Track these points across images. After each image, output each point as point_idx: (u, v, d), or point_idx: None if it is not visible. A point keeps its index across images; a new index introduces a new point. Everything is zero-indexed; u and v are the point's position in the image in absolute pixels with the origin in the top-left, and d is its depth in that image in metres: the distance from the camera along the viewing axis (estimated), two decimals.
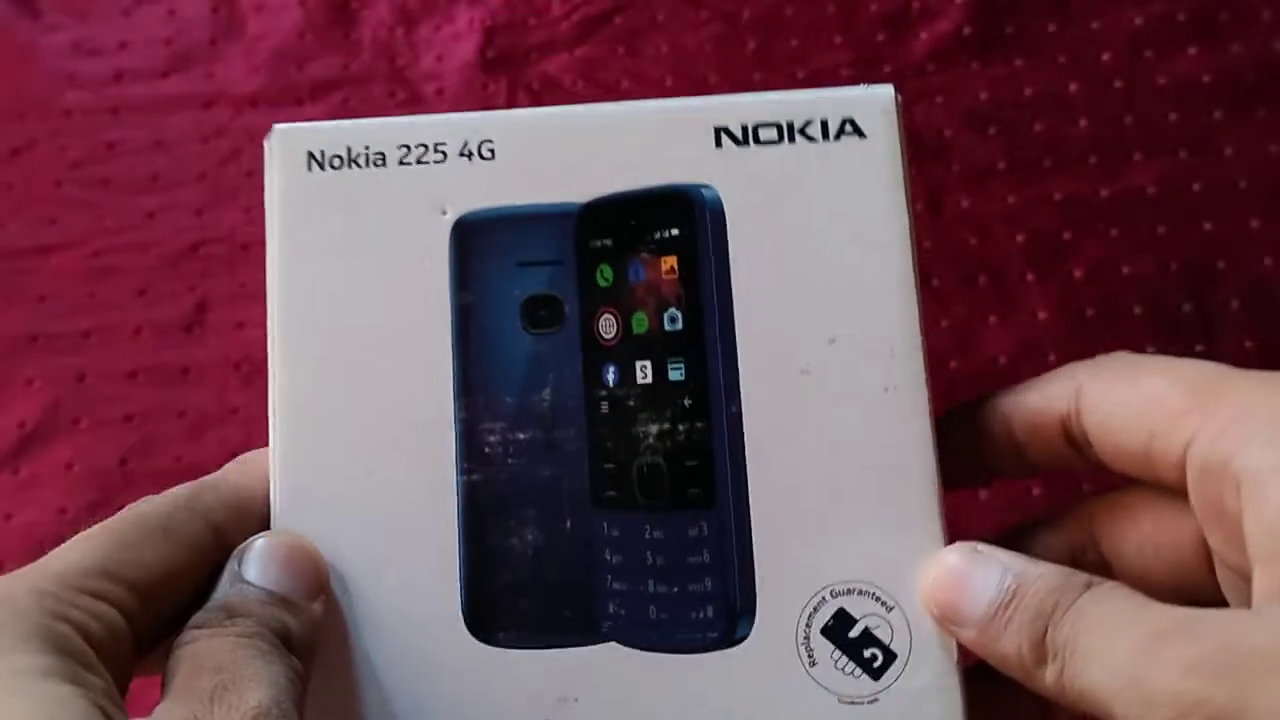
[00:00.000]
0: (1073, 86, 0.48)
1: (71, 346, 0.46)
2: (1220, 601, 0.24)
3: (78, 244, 0.47)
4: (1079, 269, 0.45)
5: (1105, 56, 0.48)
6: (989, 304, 0.45)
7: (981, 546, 0.24)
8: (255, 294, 0.46)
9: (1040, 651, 0.22)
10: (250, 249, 0.47)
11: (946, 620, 0.24)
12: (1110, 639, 0.20)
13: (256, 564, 0.23)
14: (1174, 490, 0.23)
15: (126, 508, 0.23)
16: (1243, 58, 0.47)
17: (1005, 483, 0.41)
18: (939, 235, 0.46)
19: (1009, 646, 0.22)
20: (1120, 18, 0.48)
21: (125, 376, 0.46)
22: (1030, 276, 0.45)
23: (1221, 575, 0.23)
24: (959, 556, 0.24)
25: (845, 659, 0.24)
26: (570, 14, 0.50)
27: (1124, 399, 0.24)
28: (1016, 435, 0.26)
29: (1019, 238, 0.46)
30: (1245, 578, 0.21)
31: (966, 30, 0.48)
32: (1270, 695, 0.18)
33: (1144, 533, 0.25)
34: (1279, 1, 0.48)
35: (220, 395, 0.45)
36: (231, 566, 0.23)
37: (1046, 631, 0.22)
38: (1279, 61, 0.47)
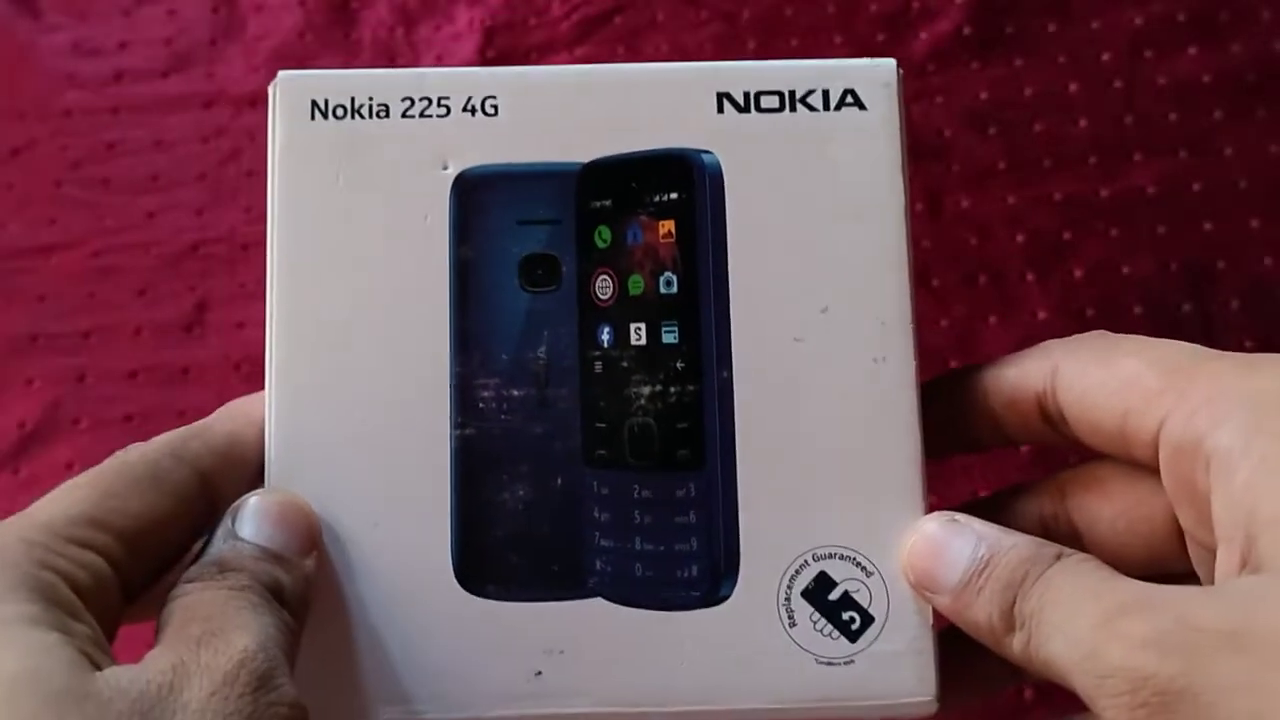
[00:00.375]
0: (1073, 86, 0.48)
1: (71, 346, 0.46)
2: (1191, 574, 0.24)
3: (78, 244, 0.47)
4: (1079, 269, 0.45)
5: (1105, 56, 0.48)
6: (989, 304, 0.45)
7: (958, 516, 0.24)
8: (255, 294, 0.46)
9: (1009, 620, 0.22)
10: (250, 249, 0.47)
11: (923, 587, 0.24)
12: (1073, 611, 0.21)
13: (250, 521, 0.23)
14: (1147, 467, 0.24)
15: (113, 455, 0.23)
16: (1243, 58, 0.47)
17: (1001, 467, 0.41)
18: (939, 235, 0.46)
19: (980, 614, 0.23)
20: (1120, 18, 0.48)
21: (125, 376, 0.46)
22: (1030, 276, 0.45)
23: (1192, 551, 0.24)
24: (936, 525, 0.24)
25: (824, 621, 0.25)
26: (570, 14, 0.50)
27: (1100, 378, 0.24)
28: (994, 409, 0.26)
29: (1019, 238, 0.46)
30: (1214, 554, 0.22)
31: (966, 30, 0.48)
32: (1217, 672, 0.18)
33: (1116, 507, 0.25)
34: (1279, 2, 0.48)
35: (220, 395, 0.45)
36: (225, 523, 0.23)
37: (1015, 601, 0.22)
38: (1279, 61, 0.47)
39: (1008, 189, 0.46)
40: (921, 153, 0.47)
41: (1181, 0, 0.48)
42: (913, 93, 0.47)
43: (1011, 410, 0.26)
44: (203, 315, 0.46)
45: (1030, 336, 0.44)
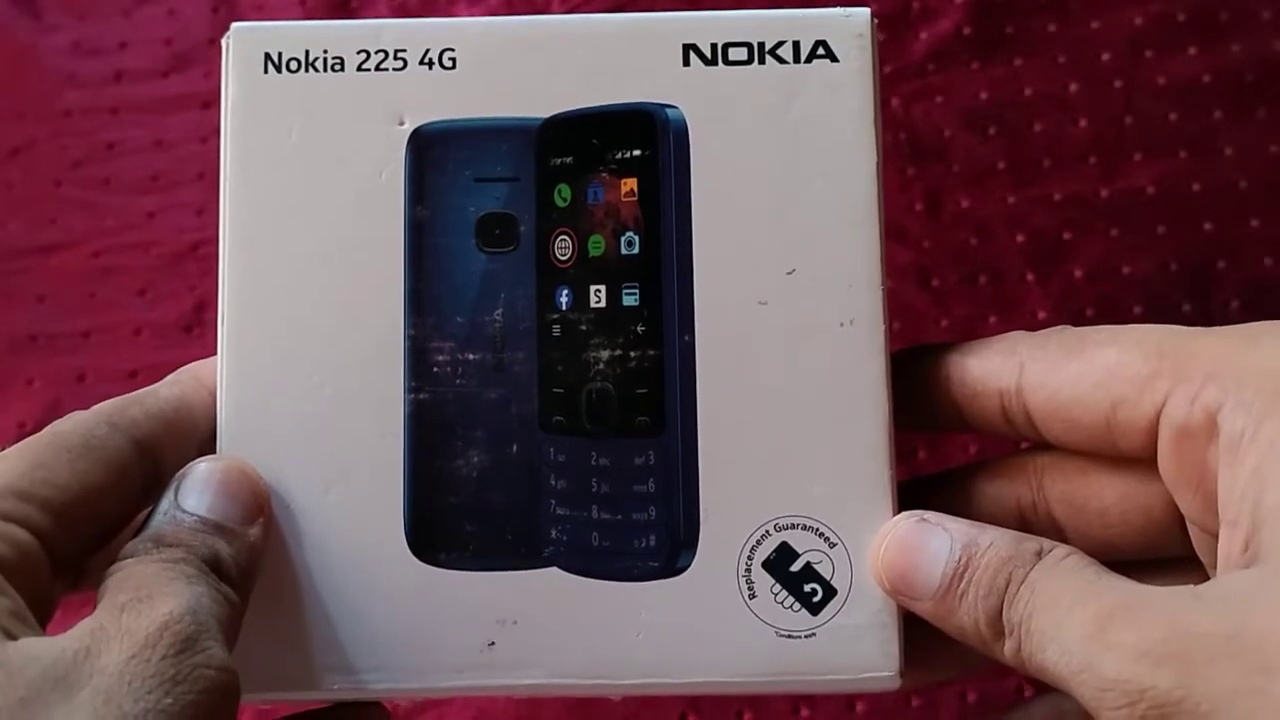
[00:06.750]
0: (1073, 86, 0.47)
1: (71, 346, 0.46)
2: (1188, 555, 0.23)
3: (78, 244, 0.47)
4: (1079, 269, 0.45)
5: (1105, 56, 0.48)
6: (989, 304, 0.45)
7: (928, 515, 0.24)
8: None
9: (997, 627, 0.22)
10: None
11: (899, 593, 0.23)
12: (1062, 619, 0.20)
13: (193, 490, 0.23)
14: (1132, 458, 0.23)
15: (47, 426, 0.23)
16: (1243, 58, 0.47)
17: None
18: (939, 235, 0.46)
19: (966, 621, 0.22)
20: (1120, 18, 0.48)
21: (125, 376, 0.46)
22: (1030, 276, 0.45)
23: (1195, 536, 0.23)
24: (906, 526, 0.23)
25: (785, 593, 0.24)
26: (570, 15, 0.50)
27: (1076, 373, 0.23)
28: (956, 399, 0.25)
29: (1019, 238, 0.46)
30: (1218, 539, 0.21)
31: (966, 30, 0.48)
32: (1213, 680, 0.18)
33: (1106, 500, 0.24)
34: (1279, 1, 0.47)
35: None
36: (169, 494, 0.23)
37: (1001, 608, 0.21)
38: (1279, 61, 0.47)
39: (1008, 189, 0.46)
40: (922, 153, 0.46)
41: (1181, 0, 0.48)
42: (913, 92, 0.47)
43: (972, 403, 0.25)
44: (203, 315, 0.46)
45: None
